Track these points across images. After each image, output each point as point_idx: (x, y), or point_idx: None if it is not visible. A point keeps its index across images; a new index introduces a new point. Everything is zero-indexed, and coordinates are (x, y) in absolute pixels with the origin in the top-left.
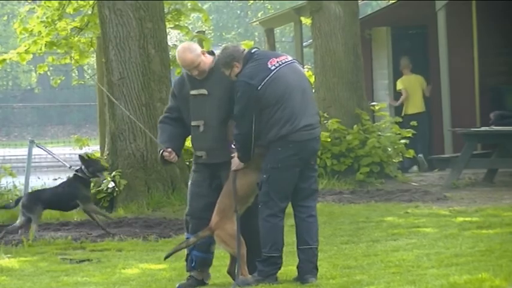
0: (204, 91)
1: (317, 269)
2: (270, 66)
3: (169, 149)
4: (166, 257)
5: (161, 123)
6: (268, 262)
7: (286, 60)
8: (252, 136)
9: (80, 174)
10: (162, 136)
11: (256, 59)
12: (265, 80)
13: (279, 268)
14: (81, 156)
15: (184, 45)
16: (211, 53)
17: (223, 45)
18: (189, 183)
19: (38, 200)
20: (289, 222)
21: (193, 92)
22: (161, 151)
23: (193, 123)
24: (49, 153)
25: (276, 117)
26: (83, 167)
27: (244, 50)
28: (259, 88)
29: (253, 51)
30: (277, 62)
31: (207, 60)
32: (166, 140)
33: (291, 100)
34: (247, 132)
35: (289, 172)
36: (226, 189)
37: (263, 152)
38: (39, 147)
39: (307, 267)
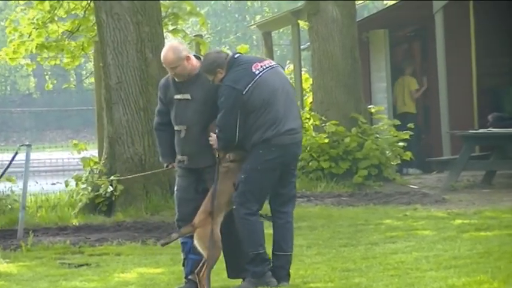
0: (188, 96)
1: (289, 275)
2: (254, 70)
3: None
4: (163, 244)
5: (156, 131)
6: (257, 261)
7: (270, 64)
8: (236, 141)
9: None
10: (162, 148)
11: (239, 64)
12: (250, 85)
13: (270, 264)
14: None
15: (172, 44)
16: (198, 58)
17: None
18: (175, 189)
19: None
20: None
21: (177, 97)
22: (166, 165)
23: (176, 127)
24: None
25: (261, 120)
26: None
27: (227, 55)
28: (244, 93)
29: (236, 56)
30: (261, 66)
31: (191, 65)
32: (167, 154)
33: (276, 104)
34: (231, 137)
35: (268, 175)
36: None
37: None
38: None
39: (281, 274)
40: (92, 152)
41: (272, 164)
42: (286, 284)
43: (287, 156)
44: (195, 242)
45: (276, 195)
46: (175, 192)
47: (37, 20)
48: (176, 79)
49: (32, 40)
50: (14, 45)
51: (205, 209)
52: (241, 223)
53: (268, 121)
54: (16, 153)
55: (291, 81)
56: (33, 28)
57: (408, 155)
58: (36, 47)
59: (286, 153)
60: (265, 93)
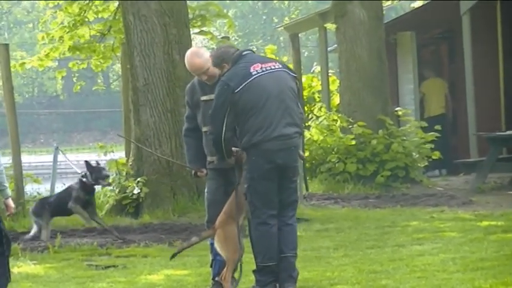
0: (213, 96)
1: (294, 278)
2: (252, 71)
3: (204, 171)
4: (172, 256)
5: (185, 137)
6: (264, 272)
7: (273, 67)
8: (222, 137)
9: (84, 179)
10: (189, 153)
11: (242, 61)
12: (243, 85)
13: (277, 276)
14: (87, 162)
15: (193, 50)
16: (231, 46)
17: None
18: (206, 190)
19: (45, 205)
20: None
21: (204, 98)
22: (194, 171)
23: (204, 128)
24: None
25: (249, 124)
26: (87, 172)
27: (236, 51)
28: (235, 91)
29: (244, 53)
30: (261, 68)
31: None
32: (194, 160)
33: (265, 109)
34: (217, 133)
35: (266, 181)
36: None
37: None
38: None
39: (283, 276)
40: (120, 154)
41: (266, 171)
42: (291, 287)
43: (279, 162)
44: (215, 244)
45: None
46: (206, 194)
47: (68, 23)
48: (208, 82)
49: (62, 43)
50: (46, 50)
51: (225, 211)
52: (253, 233)
53: (255, 125)
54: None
55: (293, 84)
56: (65, 32)
57: (437, 154)
58: (69, 49)
59: (277, 159)
60: (255, 96)
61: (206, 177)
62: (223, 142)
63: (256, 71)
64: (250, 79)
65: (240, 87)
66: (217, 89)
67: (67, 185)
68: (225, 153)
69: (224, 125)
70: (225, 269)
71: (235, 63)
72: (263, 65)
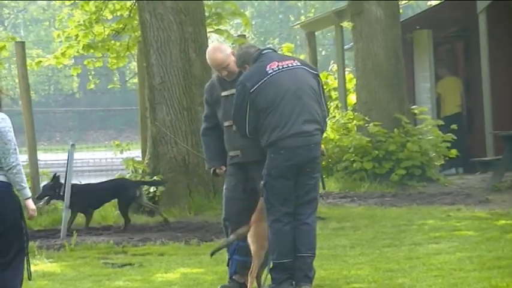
0: (234, 91)
1: (310, 278)
2: (268, 69)
3: (223, 168)
4: (212, 254)
5: (203, 136)
6: (278, 269)
7: (290, 65)
8: (247, 135)
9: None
10: (208, 152)
11: (260, 60)
12: (258, 84)
13: (292, 273)
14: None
15: (215, 45)
16: (253, 46)
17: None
18: (224, 187)
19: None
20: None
21: (224, 93)
22: (213, 168)
23: (226, 123)
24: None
25: (267, 122)
26: None
27: (257, 50)
28: (251, 91)
29: (263, 52)
30: (278, 66)
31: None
32: (214, 157)
33: (282, 106)
34: (242, 133)
35: (283, 178)
36: None
37: None
38: None
39: (298, 275)
40: (135, 152)
41: (284, 168)
42: (307, 286)
43: (299, 159)
44: (248, 240)
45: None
46: (224, 191)
47: (84, 21)
48: (227, 78)
49: (79, 42)
50: (62, 48)
51: (259, 208)
52: (269, 230)
53: (272, 123)
54: (70, 153)
55: (313, 81)
56: (80, 30)
57: (454, 153)
58: (83, 48)
59: (297, 156)
60: (270, 95)
61: (225, 173)
62: (249, 136)
63: (273, 69)
64: (265, 78)
65: (256, 86)
66: (237, 89)
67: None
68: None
69: (247, 121)
70: (253, 265)
71: (254, 62)
72: (280, 63)
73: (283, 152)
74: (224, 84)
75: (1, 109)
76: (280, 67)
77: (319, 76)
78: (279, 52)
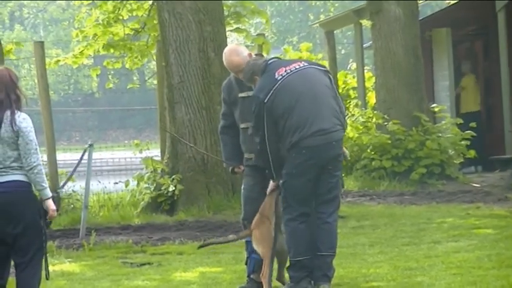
0: (251, 93)
1: (328, 277)
2: (277, 76)
3: (242, 167)
4: (200, 247)
5: (221, 134)
6: (296, 267)
7: (298, 66)
8: (268, 150)
9: None
10: (226, 150)
11: (268, 70)
12: (271, 92)
13: (310, 271)
14: None
15: (231, 48)
16: (261, 55)
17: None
18: (242, 187)
19: None
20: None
21: (242, 95)
22: (231, 167)
23: (242, 125)
24: None
25: (287, 126)
26: None
27: (265, 61)
28: (266, 101)
29: (269, 62)
30: (286, 71)
31: None
32: (231, 156)
33: (298, 108)
34: (263, 148)
35: (304, 177)
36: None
37: None
38: None
39: (317, 274)
40: (155, 151)
41: (306, 166)
42: (325, 286)
43: (320, 157)
44: (253, 245)
45: (315, 196)
46: (242, 191)
47: (102, 20)
48: (244, 81)
49: (96, 41)
50: (80, 48)
51: (260, 211)
52: (285, 229)
53: (292, 126)
54: (84, 152)
55: (325, 78)
56: (99, 29)
57: (472, 153)
58: (103, 47)
59: (319, 155)
60: (285, 100)
61: (243, 173)
62: (268, 146)
63: (281, 75)
64: (276, 84)
65: (269, 95)
66: (253, 103)
67: (102, 182)
68: (271, 165)
69: (266, 137)
70: (263, 266)
71: (263, 73)
72: (287, 67)
73: (304, 151)
74: (242, 85)
75: (22, 109)
76: (289, 71)
77: (329, 72)
78: (295, 52)
